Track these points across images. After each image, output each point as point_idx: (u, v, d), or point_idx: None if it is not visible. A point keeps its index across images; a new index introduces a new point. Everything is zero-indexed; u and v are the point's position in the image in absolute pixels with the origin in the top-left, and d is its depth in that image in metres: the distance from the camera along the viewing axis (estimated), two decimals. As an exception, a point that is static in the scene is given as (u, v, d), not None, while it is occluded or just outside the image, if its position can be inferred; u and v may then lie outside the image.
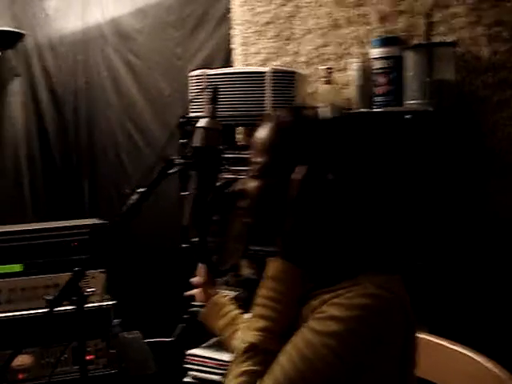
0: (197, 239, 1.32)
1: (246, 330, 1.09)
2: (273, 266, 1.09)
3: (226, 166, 1.45)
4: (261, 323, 1.06)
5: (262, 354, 1.03)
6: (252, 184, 1.16)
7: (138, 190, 1.34)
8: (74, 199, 3.15)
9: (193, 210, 1.36)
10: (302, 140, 1.11)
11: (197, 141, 1.37)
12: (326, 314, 1.00)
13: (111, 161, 3.17)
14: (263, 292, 1.09)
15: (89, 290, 2.09)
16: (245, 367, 1.03)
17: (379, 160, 1.20)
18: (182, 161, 1.36)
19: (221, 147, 1.38)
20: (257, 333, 1.05)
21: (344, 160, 1.11)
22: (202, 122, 1.38)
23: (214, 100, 1.41)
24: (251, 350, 1.04)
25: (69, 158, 3.16)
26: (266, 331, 1.05)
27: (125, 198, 1.35)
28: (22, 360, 2.11)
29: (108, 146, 3.17)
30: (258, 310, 1.08)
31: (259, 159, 1.15)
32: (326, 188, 1.06)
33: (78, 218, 2.61)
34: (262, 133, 1.17)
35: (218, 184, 1.34)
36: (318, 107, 1.21)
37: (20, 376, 2.11)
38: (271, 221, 1.13)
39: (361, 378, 1.00)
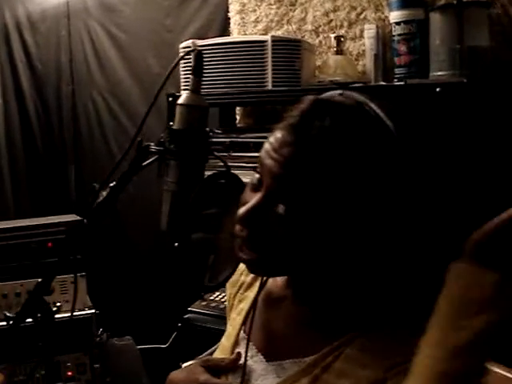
0: (176, 246, 1.10)
1: None
2: None
3: (223, 153, 1.21)
4: None
5: None
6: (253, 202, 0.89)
7: (110, 185, 1.16)
8: (59, 190, 3.00)
9: (171, 211, 1.13)
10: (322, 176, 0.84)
11: (176, 122, 1.10)
12: None
13: (97, 147, 3.05)
14: None
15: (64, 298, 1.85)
16: None
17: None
18: (158, 148, 1.10)
19: (207, 129, 1.11)
20: None
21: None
22: (181, 98, 1.10)
23: (197, 69, 1.11)
24: None
25: (52, 143, 3.03)
26: None
27: (95, 193, 1.18)
28: (-7, 377, 1.88)
29: (94, 130, 3.05)
30: None
31: (268, 179, 0.88)
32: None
33: (64, 212, 2.43)
34: (277, 142, 0.88)
35: (208, 175, 1.09)
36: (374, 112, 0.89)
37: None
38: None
39: None
